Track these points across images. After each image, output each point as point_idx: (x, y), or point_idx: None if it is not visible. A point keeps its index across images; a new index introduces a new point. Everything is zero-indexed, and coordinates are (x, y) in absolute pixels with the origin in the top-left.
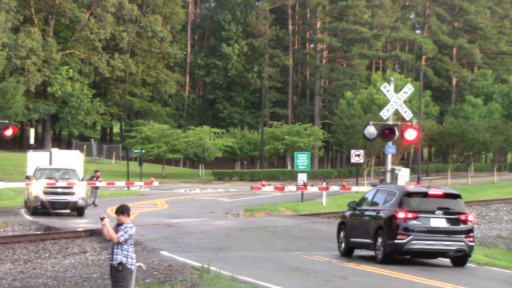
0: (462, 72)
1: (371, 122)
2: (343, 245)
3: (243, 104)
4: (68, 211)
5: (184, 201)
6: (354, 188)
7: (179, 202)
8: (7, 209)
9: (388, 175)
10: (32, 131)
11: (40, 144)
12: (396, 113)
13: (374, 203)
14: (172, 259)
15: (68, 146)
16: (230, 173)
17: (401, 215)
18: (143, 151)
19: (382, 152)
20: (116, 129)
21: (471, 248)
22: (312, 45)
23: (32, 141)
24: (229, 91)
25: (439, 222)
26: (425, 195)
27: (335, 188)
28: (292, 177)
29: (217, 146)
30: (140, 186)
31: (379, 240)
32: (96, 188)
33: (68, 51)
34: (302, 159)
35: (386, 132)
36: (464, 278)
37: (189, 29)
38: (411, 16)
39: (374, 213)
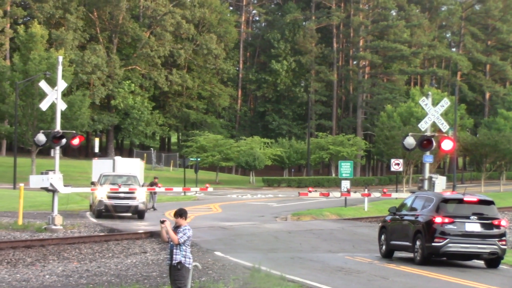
0: (495, 87)
1: (410, 133)
2: (384, 247)
3: (291, 116)
4: (129, 214)
5: (236, 206)
6: (394, 195)
7: (232, 206)
8: (74, 212)
9: (426, 182)
10: (97, 141)
11: (104, 153)
12: (433, 125)
13: (413, 209)
14: (225, 259)
15: (130, 154)
16: (278, 180)
17: (438, 220)
18: (199, 159)
19: (420, 161)
20: (173, 139)
21: (503, 251)
22: (355, 62)
23: (96, 149)
24: (278, 104)
25: (473, 226)
26: (460, 201)
27: (376, 194)
28: (336, 184)
29: (266, 155)
30: (196, 191)
31: (418, 243)
32: (155, 193)
33: (130, 67)
34: (345, 167)
35: (424, 143)
36: (497, 279)
37: (241, 47)
38: (448, 35)
39: (413, 218)
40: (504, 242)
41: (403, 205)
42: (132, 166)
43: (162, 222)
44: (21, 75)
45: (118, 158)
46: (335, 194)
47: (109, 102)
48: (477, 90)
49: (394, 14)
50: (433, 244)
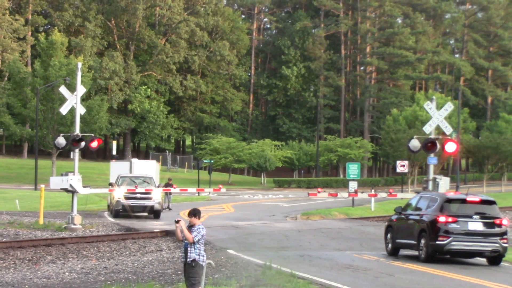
0: (497, 91)
1: (415, 136)
2: (390, 245)
3: (300, 120)
4: (146, 214)
5: (248, 206)
6: (400, 195)
7: (244, 206)
8: (93, 212)
9: (430, 183)
10: (114, 143)
11: (121, 155)
12: (438, 128)
13: (417, 208)
14: (238, 257)
15: (146, 156)
16: (289, 181)
17: (442, 219)
18: (212, 161)
19: (425, 162)
20: (188, 141)
21: (505, 249)
22: (362, 68)
23: (114, 152)
24: (288, 108)
25: (476, 225)
26: (463, 201)
27: (382, 195)
28: (344, 185)
29: (277, 157)
30: (209, 192)
31: (422, 241)
32: (170, 193)
33: (146, 73)
34: (353, 169)
35: (429, 145)
36: (498, 275)
37: (253, 53)
38: (451, 42)
39: (418, 217)
40: (505, 241)
41: (408, 205)
42: (148, 168)
43: (177, 221)
44: (42, 81)
45: (134, 160)
46: (343, 195)
47: (126, 107)
48: (479, 95)
49: (399, 21)
50: (437, 242)
